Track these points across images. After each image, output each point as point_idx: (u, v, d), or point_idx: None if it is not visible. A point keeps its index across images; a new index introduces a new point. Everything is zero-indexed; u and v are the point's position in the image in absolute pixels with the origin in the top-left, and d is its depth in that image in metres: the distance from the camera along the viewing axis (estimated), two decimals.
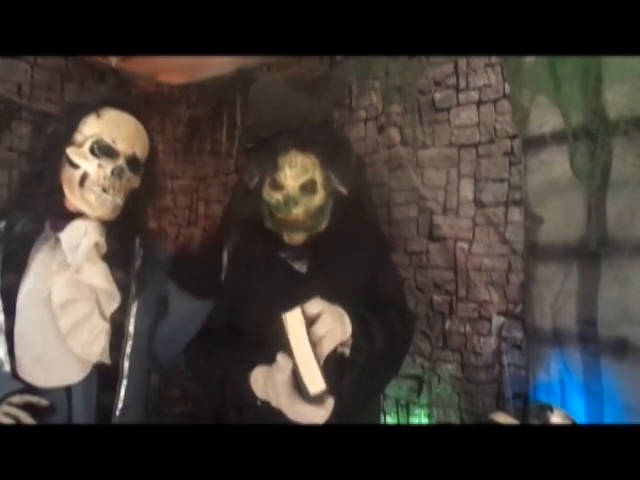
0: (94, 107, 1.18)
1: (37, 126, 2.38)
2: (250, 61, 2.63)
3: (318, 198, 1.26)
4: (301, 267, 1.25)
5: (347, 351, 1.07)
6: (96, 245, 1.15)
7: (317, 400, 0.91)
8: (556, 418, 1.38)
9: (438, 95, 2.02)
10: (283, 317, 0.93)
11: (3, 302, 1.11)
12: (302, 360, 0.91)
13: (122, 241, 1.22)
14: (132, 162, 1.20)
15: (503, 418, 1.42)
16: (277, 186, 1.24)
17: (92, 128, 1.17)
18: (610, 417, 1.47)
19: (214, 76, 2.80)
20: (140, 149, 1.22)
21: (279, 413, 0.98)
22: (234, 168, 2.79)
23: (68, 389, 1.10)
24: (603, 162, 1.50)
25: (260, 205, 1.30)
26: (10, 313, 1.10)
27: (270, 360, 0.97)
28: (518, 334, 1.80)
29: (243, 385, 1.00)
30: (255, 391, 0.99)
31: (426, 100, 2.04)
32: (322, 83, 2.25)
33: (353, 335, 1.02)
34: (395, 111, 2.13)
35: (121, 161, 1.17)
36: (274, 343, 0.95)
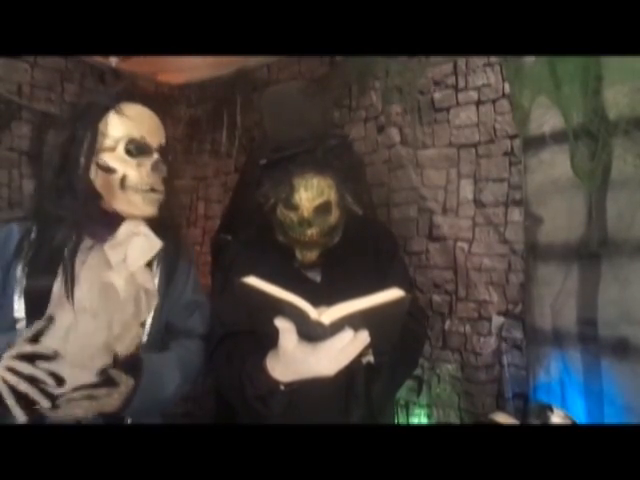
0: (110, 106, 1.15)
1: (37, 126, 2.39)
2: (250, 61, 2.64)
3: (333, 218, 1.24)
4: (315, 276, 1.24)
5: (372, 359, 1.05)
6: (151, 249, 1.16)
7: (336, 327, 0.81)
8: (556, 418, 1.39)
9: (437, 95, 2.02)
10: (240, 283, 0.83)
11: (26, 305, 1.09)
12: (293, 299, 0.82)
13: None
14: (163, 153, 1.20)
15: (503, 418, 1.42)
16: (291, 206, 1.22)
17: (119, 128, 1.14)
18: (610, 417, 1.47)
19: (214, 76, 2.80)
20: (163, 138, 1.23)
21: (306, 389, 0.93)
22: (234, 168, 2.79)
23: None
24: (603, 162, 1.50)
25: (272, 219, 1.28)
26: (32, 317, 1.07)
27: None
28: (518, 334, 1.80)
29: (261, 375, 0.98)
30: (278, 377, 0.95)
31: (425, 100, 2.05)
32: (322, 83, 2.25)
33: (372, 339, 0.99)
34: (395, 111, 2.13)
35: (156, 155, 1.17)
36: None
